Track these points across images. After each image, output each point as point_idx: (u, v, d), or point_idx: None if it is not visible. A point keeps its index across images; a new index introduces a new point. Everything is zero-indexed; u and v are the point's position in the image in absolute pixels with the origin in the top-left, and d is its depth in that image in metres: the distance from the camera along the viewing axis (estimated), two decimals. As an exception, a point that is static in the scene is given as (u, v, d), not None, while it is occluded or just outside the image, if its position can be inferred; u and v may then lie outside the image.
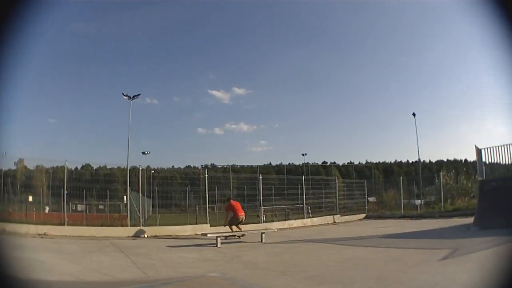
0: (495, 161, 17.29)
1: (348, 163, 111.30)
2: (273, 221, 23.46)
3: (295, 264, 9.93)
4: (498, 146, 16.96)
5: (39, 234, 15.28)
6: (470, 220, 16.83)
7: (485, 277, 6.75)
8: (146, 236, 17.43)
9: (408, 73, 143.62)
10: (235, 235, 16.27)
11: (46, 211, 30.87)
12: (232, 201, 19.85)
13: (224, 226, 18.14)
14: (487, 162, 17.52)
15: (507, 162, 17.03)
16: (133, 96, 35.48)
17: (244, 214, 20.11)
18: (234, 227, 17.88)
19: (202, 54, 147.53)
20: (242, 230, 18.73)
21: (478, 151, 17.49)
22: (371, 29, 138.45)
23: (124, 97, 35.39)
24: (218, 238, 13.83)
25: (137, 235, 17.43)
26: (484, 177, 17.27)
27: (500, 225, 12.78)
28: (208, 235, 14.55)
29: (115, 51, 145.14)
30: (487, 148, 17.35)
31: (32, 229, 15.68)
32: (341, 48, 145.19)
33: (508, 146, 16.71)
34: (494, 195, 15.78)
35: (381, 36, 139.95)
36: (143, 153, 62.62)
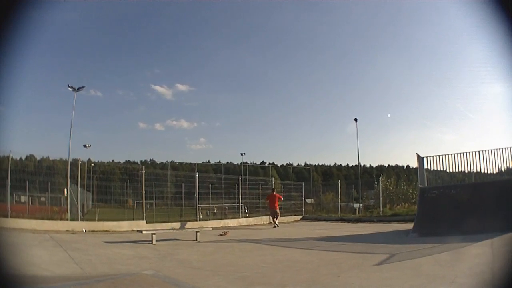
0: (438, 169, 17.71)
1: (286, 164, 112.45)
2: (209, 220, 23.74)
3: (228, 264, 9.95)
4: (441, 155, 17.50)
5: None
6: (409, 226, 17.13)
7: (421, 284, 6.81)
8: (84, 231, 17.19)
9: (350, 78, 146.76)
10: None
11: (-11, 201, 30.02)
12: (273, 193, 22.87)
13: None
14: (430, 169, 17.95)
15: (450, 171, 17.53)
16: (78, 88, 35.19)
17: (273, 208, 22.67)
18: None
19: (148, 48, 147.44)
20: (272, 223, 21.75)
21: (420, 159, 17.95)
22: (314, 30, 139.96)
23: (69, 88, 34.90)
24: (153, 235, 13.77)
25: (75, 230, 17.14)
26: (426, 185, 17.63)
27: (439, 233, 13.24)
28: (143, 232, 14.44)
29: (61, 40, 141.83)
30: (429, 157, 17.83)
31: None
32: (281, 48, 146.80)
33: (450, 155, 17.24)
34: (434, 203, 16.27)
35: (323, 38, 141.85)
36: (84, 146, 61.63)
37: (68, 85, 35.08)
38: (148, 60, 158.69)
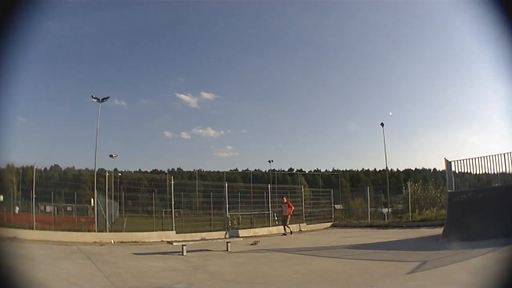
0: (465, 172, 17.44)
1: (314, 170, 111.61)
2: (239, 229, 23.20)
3: (260, 275, 9.83)
4: (468, 159, 17.07)
5: (8, 237, 14.75)
6: (438, 231, 17.09)
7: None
8: (113, 242, 17.09)
9: (375, 82, 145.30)
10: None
11: (16, 211, 30.31)
12: (283, 200, 22.91)
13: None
14: (458, 173, 17.65)
15: (478, 174, 17.21)
16: (102, 99, 35.15)
17: (285, 215, 22.63)
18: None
19: (172, 57, 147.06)
20: (287, 231, 21.84)
21: (448, 163, 17.59)
22: (338, 35, 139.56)
23: (93, 99, 34.95)
24: (184, 247, 13.57)
25: (103, 241, 17.01)
26: (454, 189, 17.33)
27: (469, 238, 12.93)
28: (174, 243, 14.14)
29: (85, 51, 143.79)
30: (457, 161, 17.46)
31: (2, 232, 15.28)
32: (305, 55, 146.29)
33: (477, 159, 16.81)
34: (463, 208, 15.96)
35: (346, 43, 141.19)
36: (111, 156, 62.03)
37: (92, 96, 35.11)
38: (172, 69, 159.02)
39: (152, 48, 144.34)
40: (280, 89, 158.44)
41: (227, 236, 19.71)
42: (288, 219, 22.74)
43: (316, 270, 10.31)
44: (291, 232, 22.05)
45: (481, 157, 16.81)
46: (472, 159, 17.00)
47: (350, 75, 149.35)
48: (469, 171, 17.27)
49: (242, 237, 19.28)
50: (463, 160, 17.29)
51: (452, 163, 17.59)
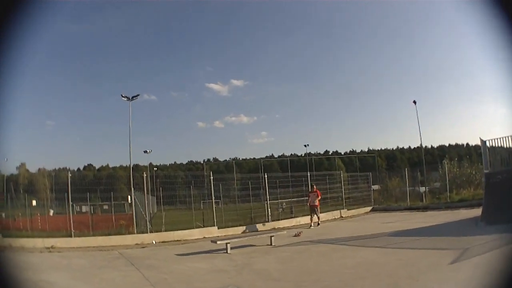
0: (499, 147, 17.26)
1: (350, 151, 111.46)
2: (279, 220, 23.19)
3: (308, 272, 9.84)
4: (504, 137, 16.84)
5: (46, 248, 15.09)
6: (476, 211, 17.07)
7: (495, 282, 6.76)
8: (154, 242, 17.27)
9: (405, 58, 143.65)
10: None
11: (51, 214, 31.02)
12: (312, 188, 22.24)
13: None
14: (494, 152, 17.51)
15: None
16: (132, 97, 35.16)
17: (314, 205, 21.62)
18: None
19: (198, 47, 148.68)
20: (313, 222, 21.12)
21: (483, 143, 17.43)
22: (367, 16, 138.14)
23: (123, 98, 35.09)
24: (228, 244, 13.57)
25: (144, 243, 17.21)
26: (489, 170, 17.17)
27: (506, 220, 12.80)
28: (218, 242, 14.02)
29: (110, 49, 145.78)
30: (492, 139, 17.30)
31: (39, 242, 15.48)
32: (336, 34, 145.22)
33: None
34: (499, 188, 15.74)
35: (376, 21, 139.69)
36: (145, 151, 62.67)
37: (121, 95, 35.03)
38: (200, 59, 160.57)
39: (177, 39, 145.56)
40: (311, 70, 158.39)
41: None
42: (318, 208, 21.93)
43: (362, 263, 10.32)
44: (318, 224, 21.29)
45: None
46: (507, 137, 16.79)
47: (379, 54, 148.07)
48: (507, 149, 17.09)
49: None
50: (499, 138, 17.10)
51: (487, 142, 17.42)
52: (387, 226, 18.31)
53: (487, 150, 17.46)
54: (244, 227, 20.51)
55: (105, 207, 40.25)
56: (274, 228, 20.45)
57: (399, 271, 8.95)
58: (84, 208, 35.91)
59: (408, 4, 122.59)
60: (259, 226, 21.13)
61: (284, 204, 27.98)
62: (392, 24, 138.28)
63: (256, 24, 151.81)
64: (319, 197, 21.94)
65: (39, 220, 26.45)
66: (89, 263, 12.53)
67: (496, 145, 17.22)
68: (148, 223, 19.67)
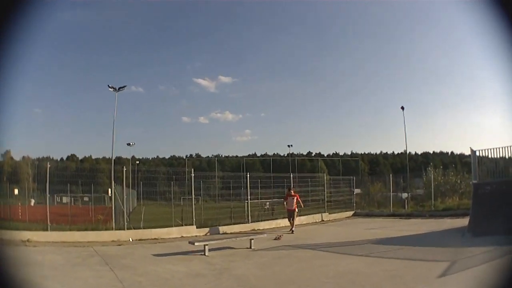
0: (492, 163, 17.09)
1: (333, 154, 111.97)
2: (259, 221, 22.68)
3: (288, 280, 9.47)
4: (495, 148, 16.67)
5: (22, 241, 14.62)
6: (461, 221, 17.08)
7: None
8: (131, 240, 16.84)
9: (394, 65, 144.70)
10: None
11: (32, 204, 30.57)
12: (290, 191, 20.94)
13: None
14: (483, 163, 17.41)
15: (501, 164, 16.87)
16: (119, 88, 34.78)
17: (291, 209, 20.44)
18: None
19: (188, 41, 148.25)
20: (291, 226, 20.03)
21: (473, 153, 17.27)
22: (360, 17, 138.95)
23: (110, 89, 34.67)
24: (206, 246, 13.16)
25: (121, 240, 16.72)
26: (478, 180, 17.01)
27: (494, 232, 12.79)
28: (196, 243, 13.54)
29: (99, 39, 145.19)
30: (483, 150, 17.12)
31: (16, 235, 15.08)
32: (326, 35, 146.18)
33: (503, 148, 16.41)
34: (487, 199, 15.63)
35: (368, 25, 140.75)
36: (128, 144, 62.41)
37: (108, 86, 34.56)
38: (188, 53, 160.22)
39: (167, 33, 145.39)
40: (299, 71, 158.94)
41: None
42: (296, 213, 20.60)
43: (345, 272, 9.98)
44: (291, 231, 19.71)
45: (507, 147, 16.38)
46: (498, 148, 16.60)
47: (368, 57, 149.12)
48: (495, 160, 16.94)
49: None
50: (489, 149, 16.92)
51: (477, 152, 17.24)
52: (370, 233, 18.05)
53: (477, 160, 17.24)
54: (223, 227, 20.12)
55: (86, 198, 40.13)
56: (254, 230, 20.17)
57: (385, 283, 8.67)
58: (64, 199, 35.72)
59: (398, 12, 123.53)
60: (239, 227, 20.67)
61: (268, 204, 27.51)
62: (382, 29, 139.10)
63: (248, 22, 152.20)
64: (298, 201, 20.91)
65: (20, 210, 26.11)
66: (64, 259, 12.13)
67: (486, 155, 17.03)
68: (125, 219, 19.22)
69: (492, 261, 9.53)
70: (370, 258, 11.85)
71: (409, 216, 25.49)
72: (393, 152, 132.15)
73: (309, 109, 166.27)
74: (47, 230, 16.78)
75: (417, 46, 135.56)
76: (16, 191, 31.39)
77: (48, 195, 18.34)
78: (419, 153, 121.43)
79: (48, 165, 18.51)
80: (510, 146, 16.27)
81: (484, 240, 12.42)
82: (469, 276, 8.53)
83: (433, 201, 27.69)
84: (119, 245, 15.71)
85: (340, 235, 17.98)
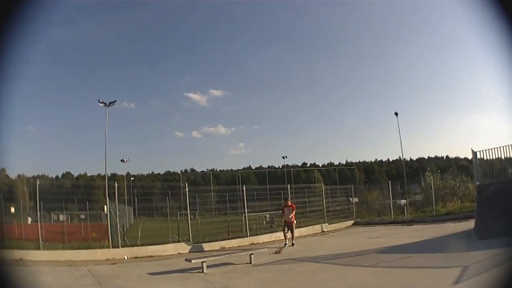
0: (493, 163, 16.81)
1: (328, 163, 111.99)
2: (258, 235, 22.09)
3: None
4: (495, 148, 16.33)
5: (15, 260, 14.04)
6: (465, 225, 17.04)
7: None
8: (126, 258, 16.37)
9: (383, 71, 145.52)
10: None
11: (29, 222, 30.08)
12: (286, 202, 20.33)
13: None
14: (485, 164, 17.12)
15: (503, 164, 16.60)
16: (109, 103, 34.92)
17: (289, 221, 19.52)
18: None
19: (178, 56, 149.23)
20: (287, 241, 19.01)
21: (474, 154, 16.93)
22: (351, 24, 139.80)
23: (100, 104, 34.55)
24: (204, 263, 12.55)
25: (116, 258, 16.23)
26: (481, 182, 16.76)
27: (501, 233, 12.44)
28: (193, 261, 12.93)
29: (90, 56, 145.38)
30: (483, 150, 16.78)
31: (9, 254, 14.51)
32: (315, 47, 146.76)
33: (504, 147, 16.02)
34: (492, 201, 15.32)
35: (360, 31, 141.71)
36: (122, 160, 62.55)
37: (98, 101, 34.68)
38: (179, 68, 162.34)
39: (157, 48, 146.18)
40: (290, 82, 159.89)
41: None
42: (294, 224, 19.76)
43: (353, 286, 9.50)
44: (292, 244, 18.93)
45: (508, 146, 16.02)
46: (499, 148, 16.25)
47: (358, 65, 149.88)
48: (496, 160, 16.65)
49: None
50: (490, 149, 16.59)
51: (478, 153, 16.91)
52: (373, 242, 17.51)
53: (478, 162, 16.94)
54: (221, 242, 19.56)
55: (82, 216, 39.82)
56: (253, 244, 19.75)
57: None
58: (61, 217, 35.42)
59: (389, 18, 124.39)
60: (237, 241, 20.11)
61: (268, 216, 26.93)
62: (371, 37, 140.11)
63: (237, 35, 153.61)
64: (294, 212, 19.89)
65: (16, 229, 25.78)
66: (55, 280, 11.57)
67: (488, 156, 16.72)
68: (119, 237, 18.69)
69: (503, 264, 9.08)
70: (377, 269, 11.33)
71: (410, 222, 25.14)
72: (388, 159, 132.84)
73: (302, 120, 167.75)
74: (39, 249, 16.40)
75: (404, 54, 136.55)
76: (12, 209, 31.17)
77: (39, 213, 18.39)
78: (414, 159, 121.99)
79: (38, 183, 18.15)
80: (508, 146, 15.98)
81: (491, 242, 11.98)
82: (484, 281, 8.03)
83: (434, 206, 27.46)
84: (114, 263, 15.19)
85: (343, 245, 17.47)
